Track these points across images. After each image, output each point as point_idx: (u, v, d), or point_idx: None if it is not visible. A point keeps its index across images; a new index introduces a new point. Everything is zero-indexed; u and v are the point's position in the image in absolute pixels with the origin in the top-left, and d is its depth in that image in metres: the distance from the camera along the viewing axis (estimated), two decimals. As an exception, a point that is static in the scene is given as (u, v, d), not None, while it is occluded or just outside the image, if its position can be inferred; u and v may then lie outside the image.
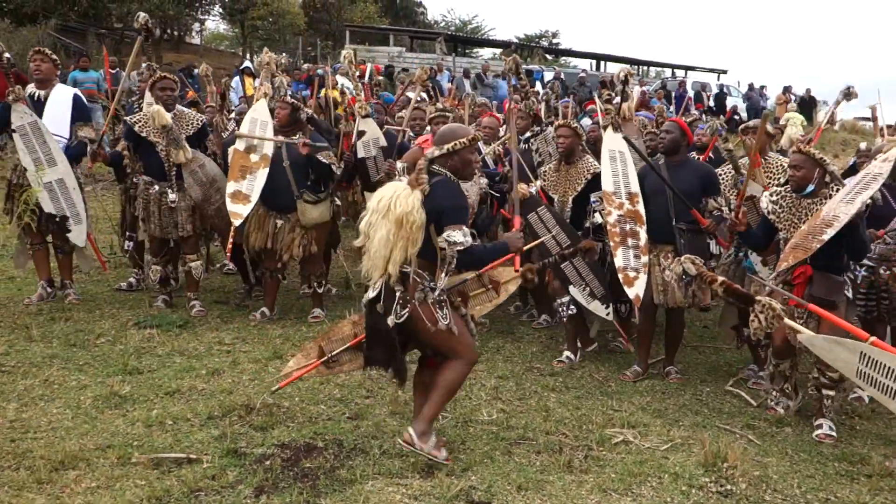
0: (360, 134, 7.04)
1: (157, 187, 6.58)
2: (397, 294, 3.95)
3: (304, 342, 6.03)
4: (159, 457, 3.98)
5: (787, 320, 4.22)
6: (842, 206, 4.75)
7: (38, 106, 6.54)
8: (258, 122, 6.67)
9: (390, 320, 3.95)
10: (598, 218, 6.03)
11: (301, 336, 6.24)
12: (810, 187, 5.01)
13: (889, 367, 3.74)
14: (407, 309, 3.94)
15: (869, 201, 4.83)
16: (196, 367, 5.39)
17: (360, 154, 6.96)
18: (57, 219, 6.57)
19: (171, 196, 6.53)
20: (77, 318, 6.37)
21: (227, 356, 5.68)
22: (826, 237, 4.66)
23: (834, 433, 4.85)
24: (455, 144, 4.01)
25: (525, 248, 4.59)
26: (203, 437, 4.27)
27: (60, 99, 6.66)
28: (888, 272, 5.37)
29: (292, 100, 6.93)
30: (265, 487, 3.74)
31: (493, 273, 4.68)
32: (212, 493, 3.68)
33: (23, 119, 6.31)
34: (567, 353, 6.11)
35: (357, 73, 7.94)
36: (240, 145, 6.57)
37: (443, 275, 3.95)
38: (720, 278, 4.58)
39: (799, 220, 5.01)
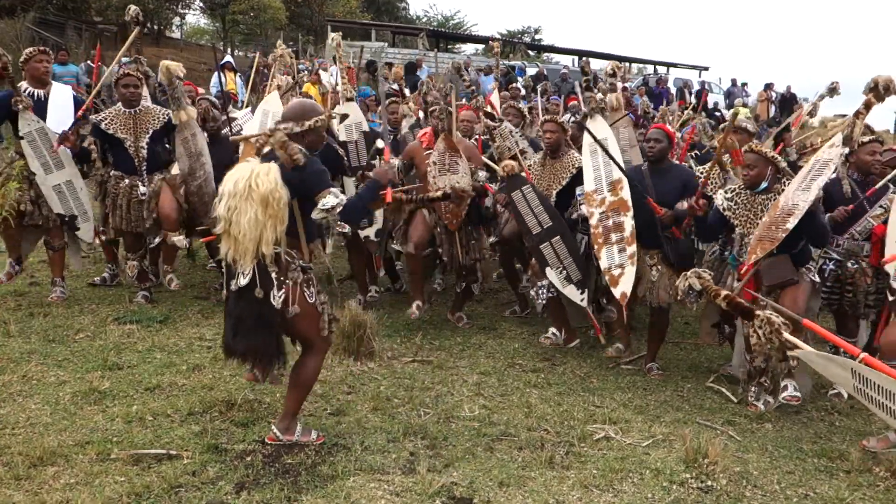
0: (343, 117, 7.01)
1: (127, 181, 6.55)
2: (273, 276, 3.89)
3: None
4: (139, 453, 3.96)
5: (786, 335, 4.23)
6: (799, 195, 4.92)
7: (39, 105, 6.49)
8: (270, 115, 6.65)
9: (275, 303, 3.90)
10: (584, 210, 6.04)
11: (283, 332, 6.20)
12: (763, 184, 5.19)
13: (879, 385, 3.71)
14: (283, 290, 3.91)
15: (821, 193, 4.97)
16: (176, 363, 5.35)
17: (342, 137, 6.94)
18: (66, 218, 6.57)
19: (142, 189, 6.50)
20: (56, 314, 6.30)
21: (208, 352, 5.64)
22: (790, 226, 4.83)
23: (798, 394, 4.95)
24: (316, 121, 4.05)
25: (395, 186, 4.64)
26: (183, 433, 4.24)
27: (61, 97, 6.67)
28: (855, 266, 5.46)
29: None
30: (246, 483, 3.72)
31: None
32: (192, 489, 3.66)
33: (30, 126, 6.32)
34: (552, 329, 6.14)
35: (342, 58, 7.91)
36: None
37: (326, 250, 3.99)
38: (724, 292, 4.63)
39: (755, 215, 5.18)
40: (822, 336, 4.49)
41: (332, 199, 3.88)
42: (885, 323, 5.54)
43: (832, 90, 6.73)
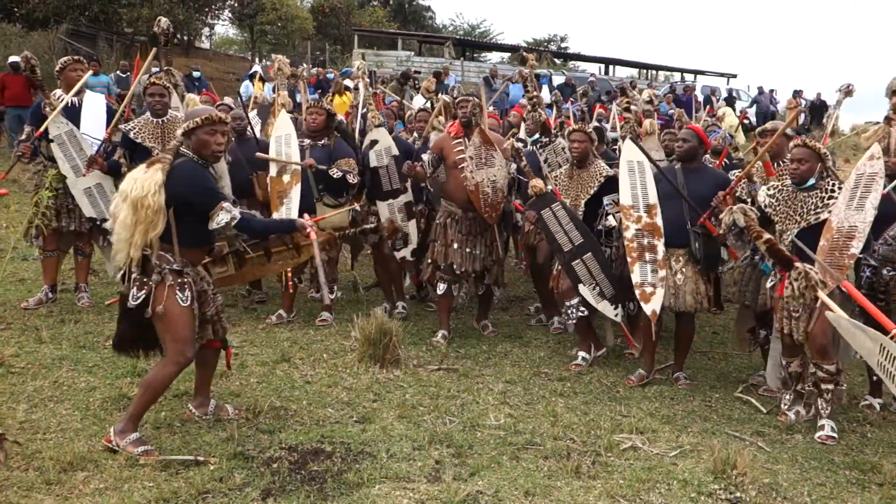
0: (373, 143, 7.08)
1: None
2: (133, 277, 4.01)
3: (312, 345, 6.06)
4: (167, 458, 3.99)
5: (820, 293, 4.23)
6: (854, 214, 4.86)
7: (73, 112, 6.60)
8: (282, 138, 6.70)
9: (131, 302, 4.01)
10: (611, 220, 6.03)
11: (309, 339, 6.24)
12: (811, 181, 5.11)
13: None
14: (143, 292, 3.99)
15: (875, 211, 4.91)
16: (204, 370, 5.38)
17: (373, 163, 6.99)
18: (98, 222, 6.65)
19: None
20: (86, 321, 6.38)
21: (235, 359, 5.66)
22: (855, 250, 4.83)
23: (835, 435, 4.86)
24: (189, 124, 4.05)
25: (313, 235, 4.44)
26: (211, 439, 4.27)
27: (94, 105, 6.78)
28: (891, 273, 5.37)
29: (328, 106, 7.04)
30: (272, 490, 3.74)
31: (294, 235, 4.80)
32: (219, 495, 3.68)
33: (59, 129, 6.44)
34: (581, 353, 6.09)
35: (367, 85, 7.97)
36: (272, 170, 6.65)
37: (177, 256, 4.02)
38: (766, 235, 4.71)
39: (795, 212, 5.13)
40: (861, 304, 4.46)
41: (223, 216, 3.94)
42: None
43: (847, 92, 6.65)
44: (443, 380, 5.52)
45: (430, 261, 6.59)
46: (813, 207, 5.07)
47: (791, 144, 5.30)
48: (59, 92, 6.63)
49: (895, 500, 4.04)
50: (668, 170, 5.91)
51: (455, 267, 6.40)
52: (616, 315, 6.03)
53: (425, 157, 6.65)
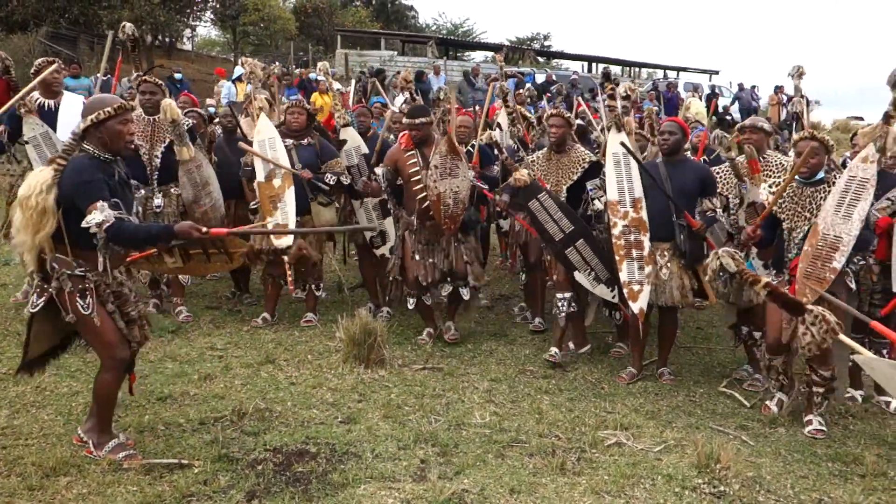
0: (341, 143, 7.08)
1: (142, 191, 6.54)
2: (34, 282, 3.90)
3: (297, 347, 6.05)
4: (151, 462, 3.97)
5: (842, 336, 4.08)
6: (840, 224, 4.68)
7: (50, 115, 6.55)
8: (266, 142, 6.66)
9: (26, 310, 3.89)
10: (597, 204, 6.00)
11: (293, 341, 6.23)
12: (821, 174, 4.98)
13: None
14: (43, 298, 3.85)
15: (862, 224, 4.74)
16: (188, 373, 5.37)
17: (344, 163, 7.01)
18: None
19: (157, 201, 6.53)
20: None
21: (220, 361, 5.66)
22: (837, 265, 4.65)
23: (824, 428, 4.88)
24: (99, 114, 3.81)
25: (196, 236, 3.95)
26: (195, 442, 4.25)
27: (71, 108, 6.70)
28: (861, 263, 5.35)
29: (309, 106, 7.03)
30: (257, 492, 3.73)
31: (225, 241, 4.75)
32: (204, 498, 3.67)
33: (34, 130, 6.37)
34: (553, 348, 6.08)
35: (332, 85, 8.02)
36: (260, 175, 6.58)
37: (101, 259, 3.85)
38: (764, 279, 4.44)
39: (803, 208, 4.96)
40: (887, 337, 4.40)
41: (96, 215, 3.66)
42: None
43: (799, 75, 6.38)
44: (428, 379, 5.52)
45: (390, 278, 6.59)
46: (823, 203, 4.90)
47: (797, 137, 5.10)
48: (35, 95, 6.58)
49: (877, 490, 4.08)
50: (650, 164, 5.92)
51: (420, 278, 6.29)
52: (613, 297, 6.03)
53: (379, 170, 6.64)
